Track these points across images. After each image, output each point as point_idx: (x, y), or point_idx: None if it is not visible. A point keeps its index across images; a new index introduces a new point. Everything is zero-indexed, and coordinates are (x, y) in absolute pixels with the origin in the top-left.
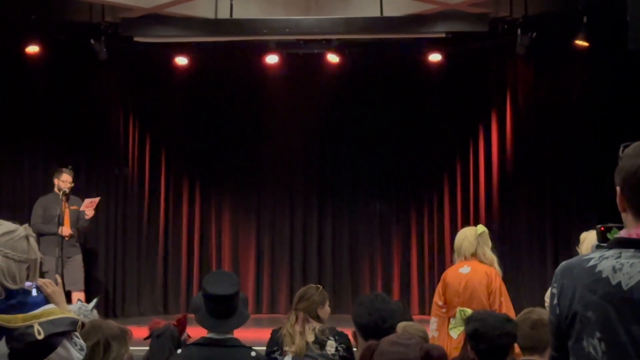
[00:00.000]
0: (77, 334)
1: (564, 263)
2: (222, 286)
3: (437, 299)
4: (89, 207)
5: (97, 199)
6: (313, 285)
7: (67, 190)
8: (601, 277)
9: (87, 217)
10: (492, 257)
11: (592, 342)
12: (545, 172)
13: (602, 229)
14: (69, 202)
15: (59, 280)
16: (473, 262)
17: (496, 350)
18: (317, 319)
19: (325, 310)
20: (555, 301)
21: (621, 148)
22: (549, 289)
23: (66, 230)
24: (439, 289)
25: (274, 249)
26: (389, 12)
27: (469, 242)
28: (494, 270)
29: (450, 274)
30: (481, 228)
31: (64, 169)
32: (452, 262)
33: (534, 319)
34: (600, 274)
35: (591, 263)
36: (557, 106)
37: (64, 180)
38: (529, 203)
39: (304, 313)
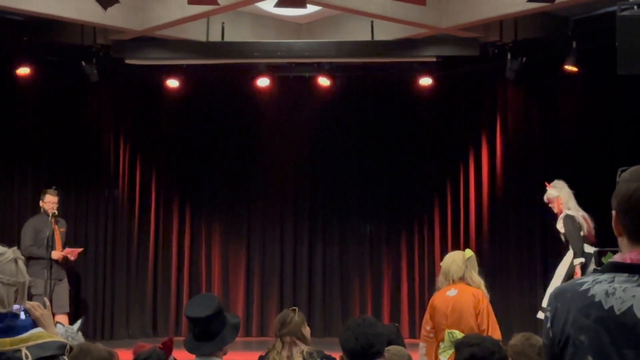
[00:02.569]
0: (65, 357)
1: (558, 287)
2: (198, 309)
3: (425, 324)
4: (69, 253)
5: (78, 250)
6: (288, 309)
7: (56, 212)
8: (594, 301)
9: (71, 259)
10: (479, 281)
11: None
12: (535, 194)
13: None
14: (58, 225)
15: (47, 303)
16: (460, 285)
17: None
18: (303, 339)
19: (307, 330)
20: (549, 324)
21: (619, 172)
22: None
23: (56, 253)
24: (427, 313)
25: (264, 271)
26: (379, 36)
27: (457, 265)
28: (480, 292)
29: (437, 298)
30: (469, 252)
31: (48, 190)
32: (437, 286)
33: (540, 344)
34: (593, 298)
35: (584, 287)
36: (547, 130)
37: (48, 202)
38: (518, 225)
39: (290, 336)
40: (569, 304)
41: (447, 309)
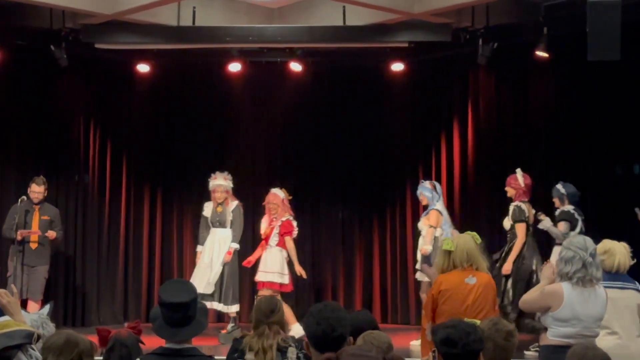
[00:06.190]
0: (33, 346)
1: None
2: (179, 294)
3: (428, 311)
4: (26, 235)
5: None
6: (271, 296)
7: (24, 198)
8: None
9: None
10: (486, 264)
11: None
12: (506, 178)
13: None
14: (41, 212)
15: (14, 290)
16: (474, 272)
17: (468, 355)
18: (284, 327)
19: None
20: None
21: None
22: None
23: (20, 233)
24: (432, 300)
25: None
26: (351, 21)
27: (474, 250)
28: (490, 277)
29: (450, 284)
30: (478, 237)
31: (35, 179)
32: (439, 267)
33: (507, 330)
34: None
35: None
36: (518, 115)
37: (32, 191)
38: (490, 211)
39: (277, 325)
40: None
41: (466, 298)
